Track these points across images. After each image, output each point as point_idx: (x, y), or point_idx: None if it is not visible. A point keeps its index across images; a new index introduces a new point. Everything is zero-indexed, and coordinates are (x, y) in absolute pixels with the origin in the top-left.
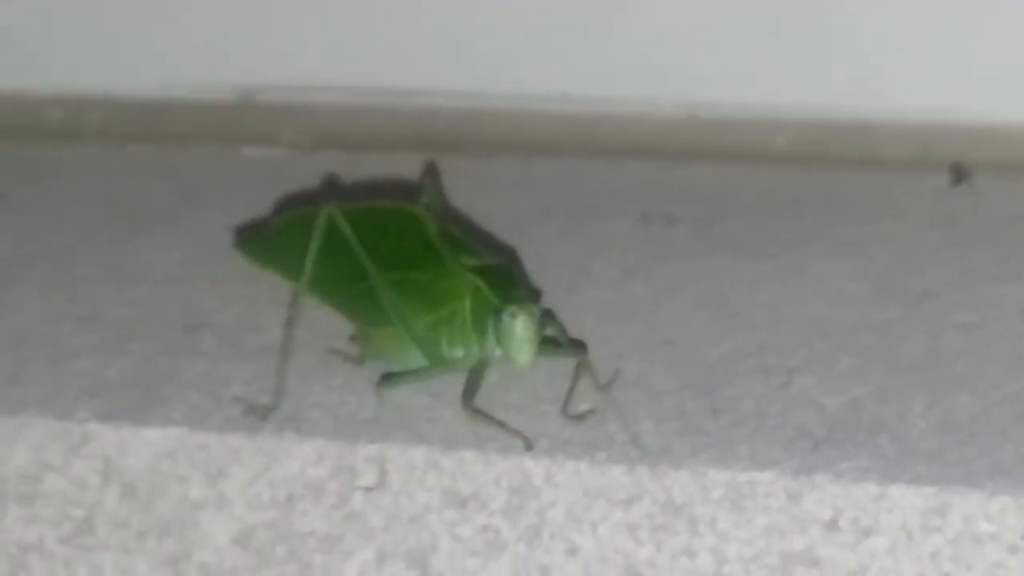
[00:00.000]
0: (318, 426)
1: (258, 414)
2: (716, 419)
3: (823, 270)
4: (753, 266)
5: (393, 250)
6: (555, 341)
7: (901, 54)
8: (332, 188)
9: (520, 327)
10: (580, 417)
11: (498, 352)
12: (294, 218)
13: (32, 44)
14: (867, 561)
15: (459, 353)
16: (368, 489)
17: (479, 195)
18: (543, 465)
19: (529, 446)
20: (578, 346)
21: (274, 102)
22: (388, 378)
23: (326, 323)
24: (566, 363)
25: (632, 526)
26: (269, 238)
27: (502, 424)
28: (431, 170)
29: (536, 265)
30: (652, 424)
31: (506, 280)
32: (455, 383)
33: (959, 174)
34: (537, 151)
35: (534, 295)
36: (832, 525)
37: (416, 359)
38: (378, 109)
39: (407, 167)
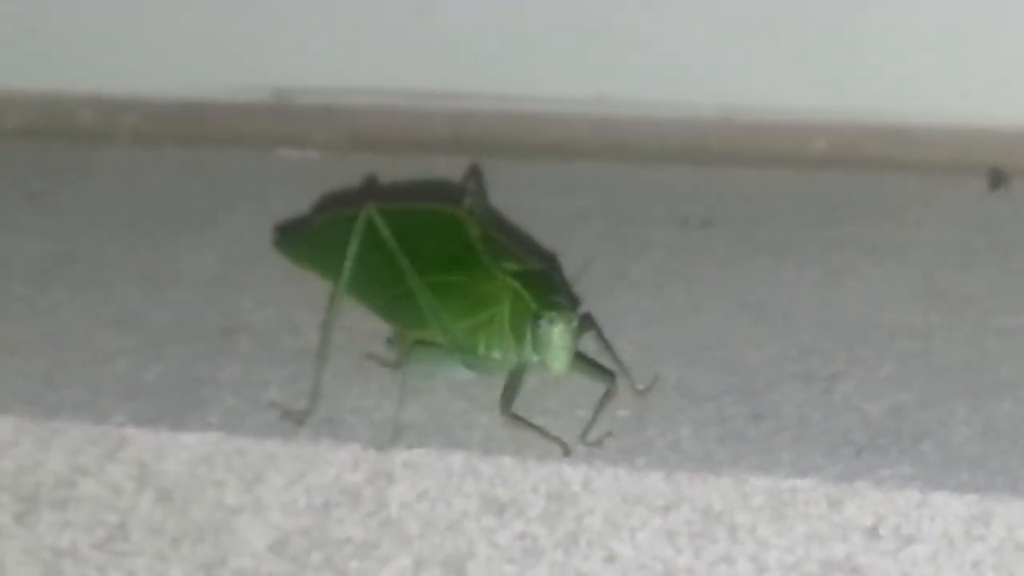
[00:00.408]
0: (355, 431)
1: (294, 418)
2: (757, 425)
3: (864, 274)
4: (793, 270)
5: (432, 252)
6: (590, 361)
7: (940, 58)
8: (371, 189)
9: (557, 334)
10: (598, 443)
11: (535, 358)
12: (334, 218)
13: (66, 46)
14: (908, 569)
15: (496, 356)
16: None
17: (515, 198)
18: (581, 471)
19: (567, 452)
20: (608, 375)
21: (309, 104)
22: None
23: (363, 326)
24: (613, 369)
25: (671, 533)
26: (309, 237)
27: (540, 430)
28: (474, 173)
29: (574, 268)
30: (692, 430)
31: (546, 286)
32: (491, 389)
33: (997, 178)
34: (573, 154)
35: (573, 302)
36: (873, 533)
37: (453, 363)
38: (413, 112)
39: (441, 169)
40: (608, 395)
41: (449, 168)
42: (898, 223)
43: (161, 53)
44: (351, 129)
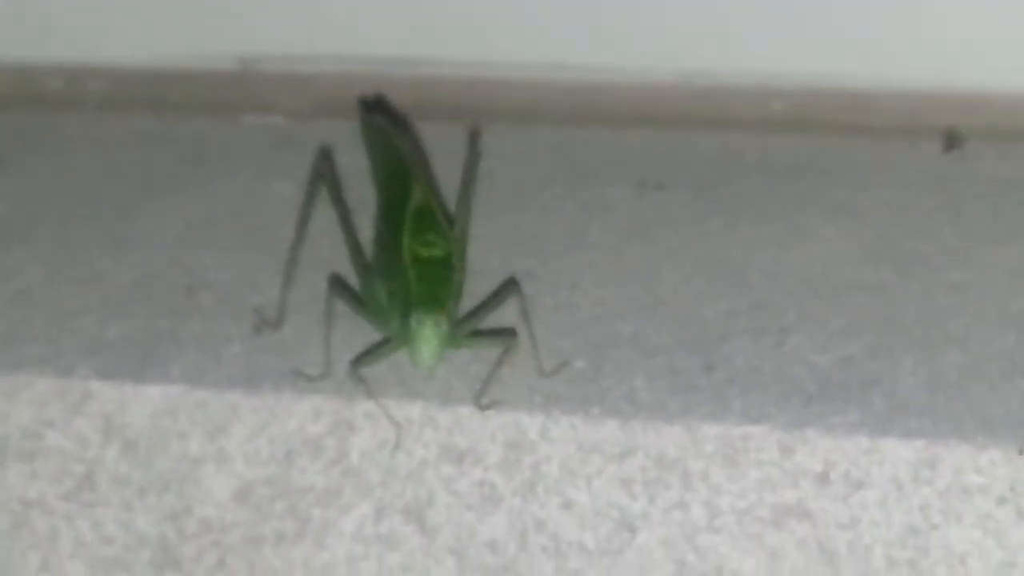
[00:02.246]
0: (315, 384)
1: (267, 328)
2: (709, 376)
3: (817, 234)
4: (748, 230)
5: (396, 201)
6: (488, 331)
7: (895, 21)
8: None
9: (422, 333)
10: (489, 406)
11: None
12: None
13: (33, 14)
14: (858, 513)
15: (390, 323)
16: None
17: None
18: (538, 420)
19: (398, 429)
20: (508, 335)
21: (273, 71)
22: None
23: (322, 284)
24: (570, 324)
25: (626, 480)
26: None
27: (378, 402)
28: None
29: (534, 230)
30: (645, 381)
31: (440, 277)
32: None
33: (952, 140)
34: (532, 119)
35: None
36: (824, 478)
37: (361, 308)
38: (375, 78)
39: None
40: (506, 354)
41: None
42: (853, 184)
43: (127, 21)
44: (315, 95)
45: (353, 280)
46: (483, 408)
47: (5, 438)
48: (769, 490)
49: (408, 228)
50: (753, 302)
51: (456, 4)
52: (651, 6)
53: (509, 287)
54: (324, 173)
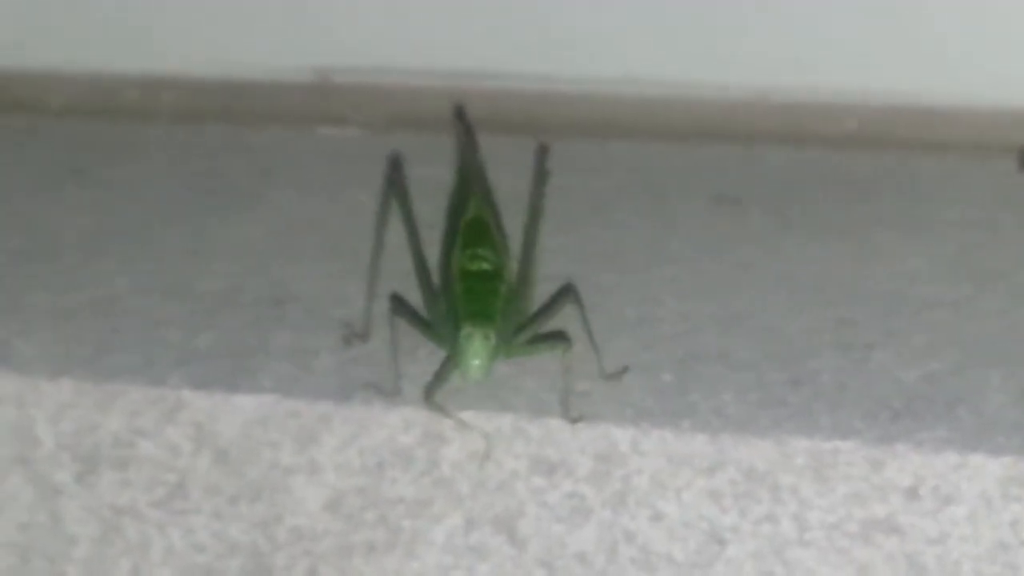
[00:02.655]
0: (406, 396)
1: (356, 340)
2: (796, 391)
3: (895, 250)
4: (826, 246)
5: (456, 216)
6: (542, 337)
7: (971, 39)
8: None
9: (470, 347)
10: (578, 419)
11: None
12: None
13: (110, 26)
14: (947, 529)
15: (446, 336)
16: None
17: (552, 176)
18: (628, 433)
19: (488, 444)
20: (561, 340)
21: (348, 83)
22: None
23: (412, 298)
24: (654, 337)
25: (715, 493)
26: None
27: (459, 420)
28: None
29: (613, 245)
30: (733, 395)
31: (489, 292)
32: (543, 355)
33: None
34: (607, 134)
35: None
36: (913, 493)
37: (425, 326)
38: (450, 91)
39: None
40: (565, 364)
41: (485, 147)
42: (928, 201)
43: (203, 33)
44: (390, 108)
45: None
46: (573, 421)
47: (97, 446)
48: (858, 504)
49: (460, 241)
50: (836, 318)
51: (530, 18)
52: (727, 22)
53: (565, 294)
54: (394, 182)
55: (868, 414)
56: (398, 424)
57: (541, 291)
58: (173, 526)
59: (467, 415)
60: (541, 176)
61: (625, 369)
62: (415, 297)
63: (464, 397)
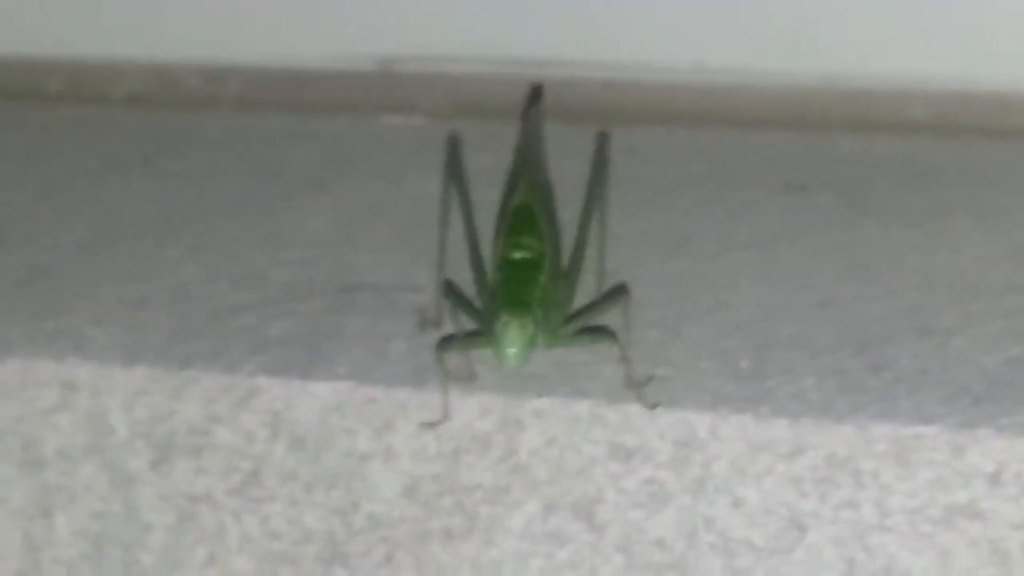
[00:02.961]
0: (483, 380)
1: (431, 327)
2: (876, 376)
3: (966, 236)
4: (899, 232)
5: (506, 202)
6: (587, 330)
7: None
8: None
9: (507, 335)
10: (656, 405)
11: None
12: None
13: (173, 16)
14: None
15: (488, 327)
16: (432, 424)
17: (619, 165)
18: (707, 419)
19: (444, 419)
20: (605, 334)
21: (413, 72)
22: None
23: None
24: (731, 324)
25: (796, 479)
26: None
27: (445, 389)
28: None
29: (684, 232)
30: (813, 381)
31: (531, 279)
32: (620, 340)
33: None
34: (674, 121)
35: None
36: (995, 479)
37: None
38: (515, 79)
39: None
40: (619, 353)
41: (549, 136)
42: (996, 187)
43: (266, 22)
44: (454, 96)
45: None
46: (651, 407)
47: (172, 434)
48: (941, 490)
49: (505, 229)
50: (912, 304)
51: (597, 5)
52: (793, 9)
53: (618, 292)
54: (453, 163)
55: (949, 399)
56: (475, 410)
57: (607, 280)
58: (249, 513)
59: (546, 402)
60: (602, 163)
61: (650, 378)
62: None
63: (543, 384)
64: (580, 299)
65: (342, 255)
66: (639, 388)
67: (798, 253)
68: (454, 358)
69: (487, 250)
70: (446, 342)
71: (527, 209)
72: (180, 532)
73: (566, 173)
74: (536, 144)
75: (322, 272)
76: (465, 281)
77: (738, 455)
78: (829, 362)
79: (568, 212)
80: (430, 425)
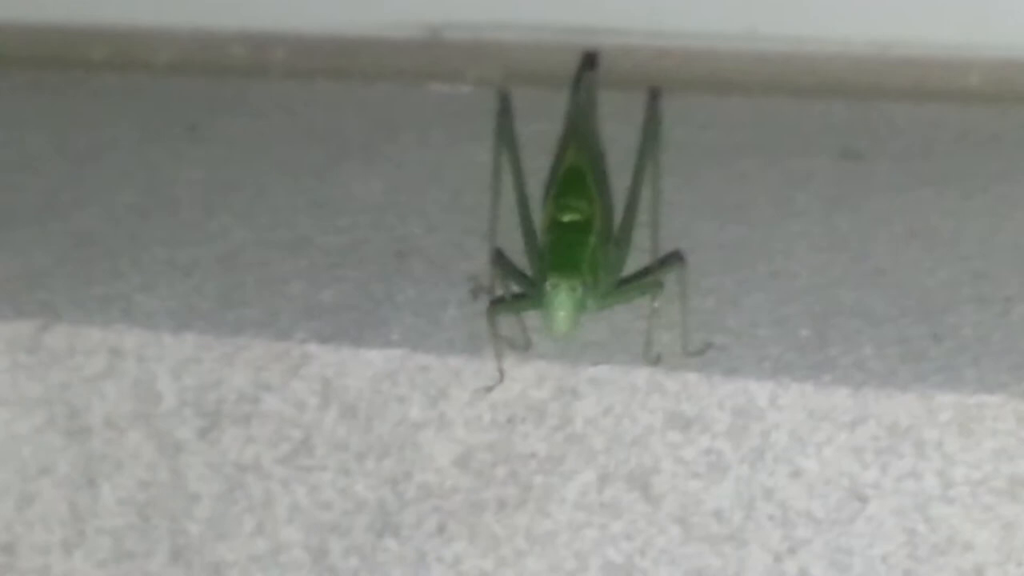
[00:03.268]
0: (537, 348)
1: (484, 294)
2: (938, 345)
3: None
4: (956, 201)
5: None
6: (632, 285)
7: None
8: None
9: (554, 299)
10: (657, 361)
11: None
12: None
13: None
14: None
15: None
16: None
17: (673, 132)
18: (767, 388)
19: (500, 379)
20: (653, 284)
21: (461, 39)
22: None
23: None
24: (789, 292)
25: (857, 448)
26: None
27: (498, 348)
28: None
29: (740, 199)
30: (874, 349)
31: (579, 244)
32: (676, 308)
33: None
34: (728, 89)
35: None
36: None
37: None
38: (564, 47)
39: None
40: (653, 307)
41: (602, 104)
42: None
43: None
44: (503, 65)
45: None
46: (652, 363)
47: (221, 401)
48: (1005, 460)
49: (554, 191)
50: (973, 272)
51: None
52: None
53: (673, 260)
54: (503, 121)
55: (1014, 367)
56: (530, 378)
57: (662, 245)
58: (298, 483)
59: (602, 370)
60: (653, 121)
61: (709, 345)
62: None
63: (600, 351)
64: (634, 266)
65: (393, 222)
66: (695, 356)
67: (856, 221)
68: (508, 324)
69: (538, 215)
70: (497, 305)
71: (577, 171)
72: (228, 502)
73: (618, 140)
74: (589, 110)
75: (373, 239)
76: (517, 246)
77: (798, 424)
78: (890, 331)
79: (622, 180)
80: (486, 390)
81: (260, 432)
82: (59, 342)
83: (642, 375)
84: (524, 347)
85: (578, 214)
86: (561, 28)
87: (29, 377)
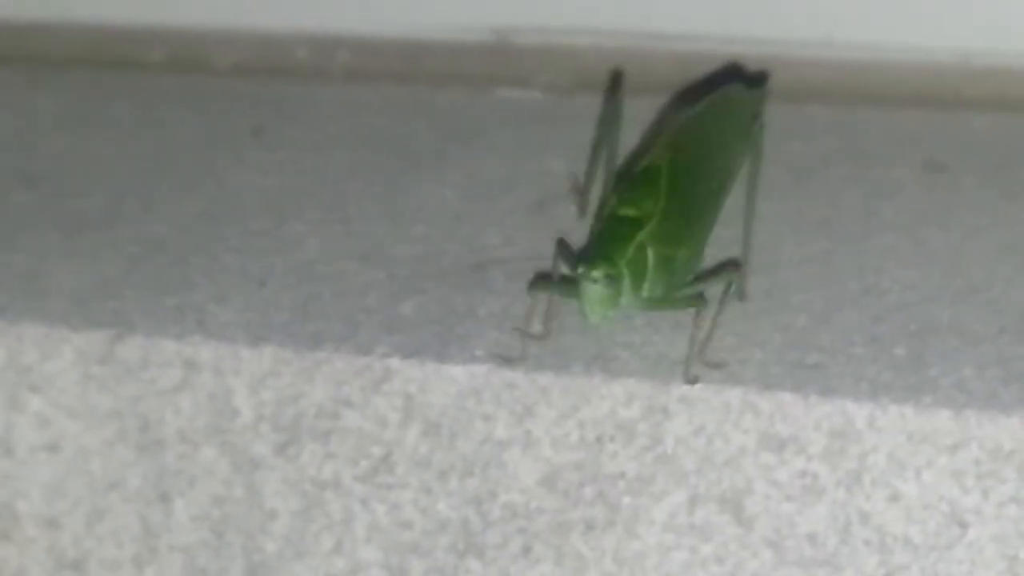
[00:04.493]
0: (627, 366)
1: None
2: None
3: None
4: None
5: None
6: (680, 296)
7: None
8: None
9: (583, 287)
10: (695, 380)
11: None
12: None
13: None
14: None
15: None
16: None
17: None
18: (865, 409)
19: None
20: (697, 299)
21: (530, 43)
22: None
23: None
24: (882, 309)
25: (958, 472)
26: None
27: (528, 325)
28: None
29: (824, 212)
30: (974, 370)
31: (621, 237)
32: (766, 325)
33: None
34: (806, 97)
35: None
36: None
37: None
38: (637, 53)
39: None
40: (698, 323)
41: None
42: None
43: None
44: (573, 70)
45: None
46: (691, 382)
47: (299, 416)
48: None
49: (624, 185)
50: None
51: None
52: None
53: (728, 269)
54: (612, 101)
55: None
56: (620, 397)
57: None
58: (378, 501)
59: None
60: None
61: (724, 362)
62: None
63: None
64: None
65: (469, 232)
66: (713, 368)
67: (945, 235)
68: (544, 305)
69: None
70: (539, 283)
71: (653, 170)
72: (305, 519)
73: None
74: (697, 115)
75: (451, 249)
76: None
77: (897, 447)
78: (990, 350)
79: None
80: (508, 361)
81: (340, 448)
82: (132, 353)
83: (735, 394)
84: (542, 336)
85: (636, 210)
86: (632, 34)
87: (100, 389)
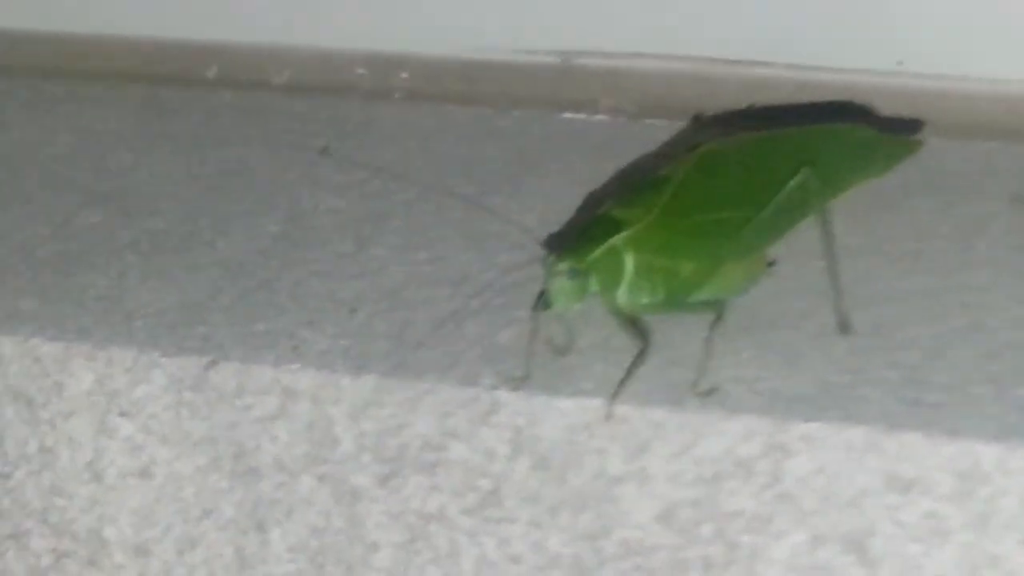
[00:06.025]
0: (742, 402)
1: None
2: None
3: None
4: None
5: None
6: (633, 326)
7: None
8: None
9: (547, 276)
10: (709, 393)
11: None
12: None
13: (345, 3)
14: None
15: None
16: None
17: None
18: (994, 450)
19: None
20: (642, 339)
21: (595, 67)
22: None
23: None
24: (991, 347)
25: None
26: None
27: (532, 350)
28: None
29: (915, 245)
30: None
31: (600, 229)
32: (878, 362)
33: None
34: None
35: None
36: None
37: None
38: (702, 77)
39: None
40: (637, 359)
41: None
42: None
43: (439, 10)
44: (638, 94)
45: None
46: (702, 395)
47: (404, 448)
48: None
49: (629, 190)
50: None
51: (788, 3)
52: (999, 12)
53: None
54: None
55: None
56: (738, 433)
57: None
58: (486, 535)
59: (815, 427)
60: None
61: (715, 389)
62: None
63: (811, 407)
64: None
65: None
66: (704, 397)
67: None
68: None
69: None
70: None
71: (661, 182)
72: (410, 552)
73: None
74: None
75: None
76: None
77: None
78: None
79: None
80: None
81: (446, 481)
82: (227, 380)
83: (858, 433)
84: (563, 351)
85: (624, 214)
86: (697, 59)
87: (193, 415)
